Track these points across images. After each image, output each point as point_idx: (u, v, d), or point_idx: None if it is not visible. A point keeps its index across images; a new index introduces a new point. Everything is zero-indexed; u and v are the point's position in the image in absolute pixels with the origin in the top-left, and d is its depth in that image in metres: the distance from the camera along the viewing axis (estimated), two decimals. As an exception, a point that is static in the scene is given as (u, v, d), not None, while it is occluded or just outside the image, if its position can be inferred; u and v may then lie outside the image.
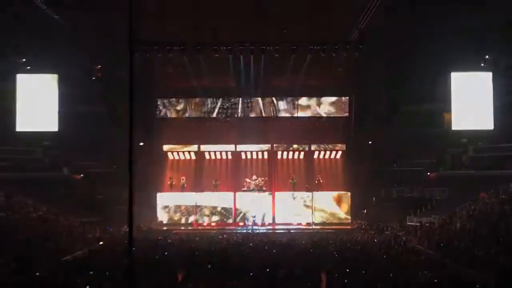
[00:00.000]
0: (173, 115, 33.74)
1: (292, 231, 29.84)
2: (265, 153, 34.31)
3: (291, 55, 30.89)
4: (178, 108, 33.71)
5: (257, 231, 29.95)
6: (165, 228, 30.86)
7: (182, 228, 31.29)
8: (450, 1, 25.49)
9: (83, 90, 30.85)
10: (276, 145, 34.20)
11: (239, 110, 33.61)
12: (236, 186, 33.36)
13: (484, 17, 26.22)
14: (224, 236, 27.02)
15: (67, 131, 30.72)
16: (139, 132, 29.23)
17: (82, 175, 31.25)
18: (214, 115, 33.64)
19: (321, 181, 33.12)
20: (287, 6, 26.14)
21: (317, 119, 33.74)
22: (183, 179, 33.33)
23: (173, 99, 33.71)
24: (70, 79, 30.93)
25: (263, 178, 33.52)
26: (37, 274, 15.08)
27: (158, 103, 33.62)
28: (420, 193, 31.48)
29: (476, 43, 28.36)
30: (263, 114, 33.68)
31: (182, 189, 33.07)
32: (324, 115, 33.61)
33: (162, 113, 33.67)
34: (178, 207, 32.39)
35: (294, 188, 33.08)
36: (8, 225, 22.18)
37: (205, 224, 31.95)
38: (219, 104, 33.60)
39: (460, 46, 28.26)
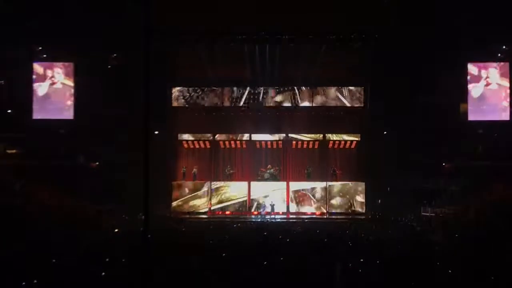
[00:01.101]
0: (188, 104, 33.83)
1: (306, 220, 29.99)
2: (280, 143, 34.24)
3: (306, 45, 30.85)
4: (193, 97, 33.78)
5: (274, 219, 30.24)
6: (179, 216, 31.00)
7: (196, 216, 31.45)
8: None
9: (99, 78, 31.00)
10: (291, 134, 34.08)
11: (254, 100, 33.62)
12: (250, 175, 33.40)
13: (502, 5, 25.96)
14: (238, 224, 27.15)
15: (83, 119, 30.97)
16: (154, 121, 29.28)
17: (97, 163, 31.41)
18: (229, 104, 33.69)
19: (338, 171, 32.99)
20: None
21: (332, 109, 33.65)
22: (195, 168, 33.43)
23: (188, 88, 33.79)
24: (86, 67, 31.12)
25: (277, 168, 33.51)
26: (53, 261, 15.21)
27: (173, 91, 33.74)
28: (435, 184, 31.29)
29: (493, 33, 28.07)
30: (278, 104, 33.67)
31: (194, 178, 33.18)
32: (339, 105, 33.55)
33: (177, 102, 33.79)
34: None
35: (309, 178, 33.03)
36: (24, 213, 22.39)
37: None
38: (233, 93, 33.65)
39: (477, 36, 28.02)
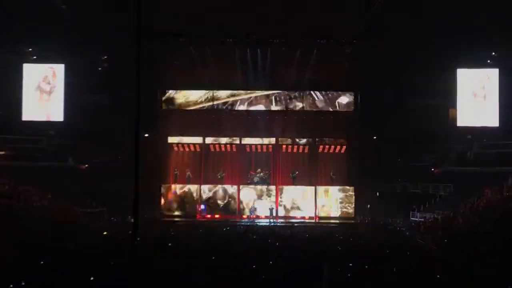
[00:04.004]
0: (179, 106, 33.81)
1: (295, 224, 30.01)
2: (270, 147, 34.21)
3: (297, 48, 30.93)
4: (184, 99, 33.77)
5: (273, 223, 30.47)
6: (168, 219, 30.91)
7: (186, 219, 31.36)
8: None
9: (89, 80, 30.96)
10: (281, 138, 34.10)
11: (245, 103, 33.67)
12: (240, 179, 33.36)
13: (492, 13, 26.13)
14: (228, 228, 27.13)
15: (72, 121, 30.87)
16: (144, 123, 29.20)
17: (86, 165, 31.30)
18: (220, 107, 33.70)
19: (334, 176, 32.99)
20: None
21: (322, 113, 33.67)
22: (188, 171, 33.37)
23: (179, 90, 33.79)
24: (76, 69, 31.05)
25: (267, 171, 33.50)
26: (41, 262, 15.16)
27: (164, 94, 33.71)
28: (424, 189, 31.46)
29: (483, 39, 28.26)
30: (268, 108, 33.70)
31: (188, 181, 33.12)
32: (329, 110, 33.60)
33: (167, 105, 33.77)
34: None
35: (295, 182, 33.04)
36: (13, 214, 22.26)
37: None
38: (224, 96, 33.67)
39: (466, 42, 28.21)
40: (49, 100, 31.31)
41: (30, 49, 31.13)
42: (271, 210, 31.33)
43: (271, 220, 30.93)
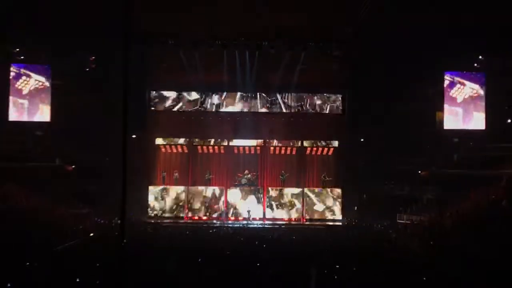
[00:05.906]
0: (166, 108, 33.77)
1: (282, 226, 30.06)
2: (258, 149, 34.24)
3: (287, 51, 30.99)
4: (172, 101, 33.74)
5: (251, 224, 30.51)
6: (155, 221, 30.84)
7: (173, 221, 31.29)
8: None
9: (76, 81, 30.80)
10: (269, 140, 34.13)
11: (232, 105, 33.70)
12: (228, 180, 33.35)
13: (480, 15, 26.26)
14: (214, 230, 27.12)
15: (59, 121, 30.66)
16: (132, 125, 29.04)
17: (73, 166, 31.11)
18: (207, 109, 33.72)
19: (327, 178, 33.07)
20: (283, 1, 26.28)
21: (310, 115, 33.80)
22: (176, 172, 33.30)
23: (166, 92, 33.76)
24: (63, 69, 30.86)
25: (254, 173, 33.50)
26: (27, 264, 15.07)
27: (151, 96, 33.67)
28: (411, 192, 31.56)
29: (470, 43, 28.41)
30: (257, 109, 33.75)
31: (176, 183, 33.04)
32: (318, 112, 33.73)
33: (155, 106, 33.73)
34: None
35: (284, 184, 33.10)
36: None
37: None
38: (212, 98, 33.70)
39: (454, 45, 28.35)
40: (35, 100, 31.04)
41: (17, 49, 30.87)
42: (248, 212, 31.51)
43: (249, 222, 31.06)
